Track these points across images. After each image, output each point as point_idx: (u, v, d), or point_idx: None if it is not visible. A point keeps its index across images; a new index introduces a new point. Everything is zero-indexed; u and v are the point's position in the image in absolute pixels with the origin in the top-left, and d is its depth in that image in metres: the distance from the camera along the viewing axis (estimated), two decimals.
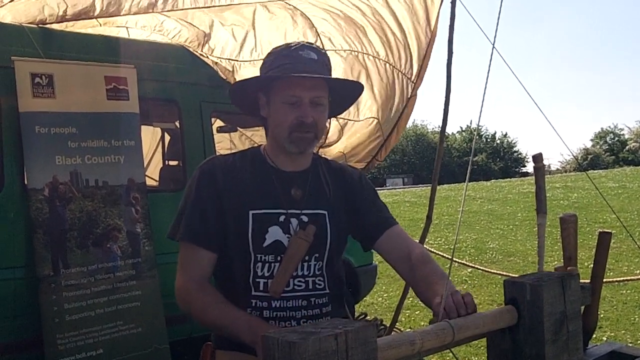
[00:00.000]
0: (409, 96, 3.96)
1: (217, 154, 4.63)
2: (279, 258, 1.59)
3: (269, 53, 1.70)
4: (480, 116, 1.50)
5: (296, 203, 1.64)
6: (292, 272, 1.59)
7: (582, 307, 1.61)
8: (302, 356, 0.91)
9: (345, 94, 1.77)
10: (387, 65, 3.88)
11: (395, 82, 3.95)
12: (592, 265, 1.71)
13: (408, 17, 3.52)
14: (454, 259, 7.48)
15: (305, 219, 1.64)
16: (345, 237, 1.75)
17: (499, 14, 1.44)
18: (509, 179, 25.81)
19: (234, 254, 1.60)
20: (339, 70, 3.92)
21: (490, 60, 1.43)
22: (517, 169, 52.72)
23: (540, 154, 1.79)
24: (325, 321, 1.05)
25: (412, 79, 3.85)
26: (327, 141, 4.51)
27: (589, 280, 1.72)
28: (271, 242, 1.59)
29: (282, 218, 1.61)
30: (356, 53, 3.89)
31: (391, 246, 1.72)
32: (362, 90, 1.78)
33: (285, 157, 1.68)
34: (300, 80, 1.59)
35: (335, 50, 3.88)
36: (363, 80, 3.94)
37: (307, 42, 1.69)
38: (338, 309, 1.69)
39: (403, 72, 3.85)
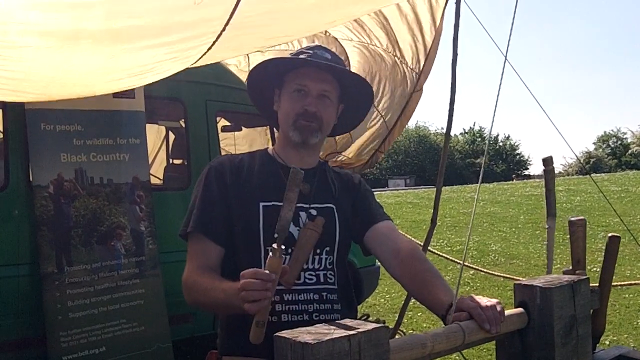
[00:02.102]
0: (414, 89, 3.97)
1: (223, 153, 4.65)
2: (289, 250, 1.59)
3: (289, 54, 1.78)
4: (491, 128, 1.49)
5: (304, 197, 1.66)
6: (303, 262, 1.59)
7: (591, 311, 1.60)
8: (315, 357, 0.91)
9: (357, 99, 1.80)
10: (396, 58, 3.91)
11: (405, 73, 3.96)
12: (595, 269, 1.71)
13: (412, 16, 3.53)
14: (455, 260, 7.49)
15: (314, 212, 1.66)
16: (351, 233, 1.75)
17: (511, 28, 1.43)
18: (511, 182, 25.81)
19: (243, 248, 1.61)
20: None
21: (502, 73, 1.41)
22: (520, 172, 52.68)
23: (550, 157, 1.79)
24: (338, 322, 1.05)
25: (418, 72, 3.87)
26: (338, 147, 4.52)
27: (594, 284, 1.71)
28: None
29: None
30: (366, 44, 3.92)
31: (378, 240, 1.71)
32: (372, 98, 1.81)
33: (294, 154, 1.72)
34: (309, 72, 1.66)
35: (342, 40, 3.90)
36: (371, 72, 3.96)
37: (324, 46, 1.74)
38: (347, 309, 1.68)
39: (411, 66, 3.87)
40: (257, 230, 1.60)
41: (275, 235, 1.28)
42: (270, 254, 1.26)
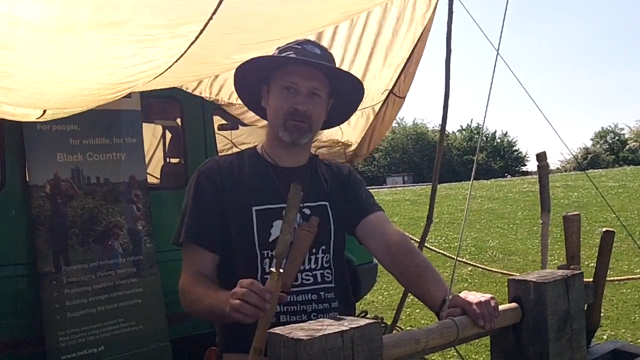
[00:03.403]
0: (391, 91, 3.91)
1: (219, 152, 4.64)
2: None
3: (276, 48, 1.72)
4: (484, 123, 1.50)
5: None
6: (299, 264, 1.58)
7: (585, 306, 1.61)
8: (309, 353, 0.91)
9: (347, 95, 1.77)
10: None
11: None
12: (593, 264, 1.70)
13: (399, 15, 3.48)
14: (452, 256, 7.49)
15: (307, 211, 1.64)
16: (344, 227, 1.75)
17: (503, 23, 1.43)
18: (509, 178, 25.85)
19: (239, 253, 1.59)
20: None
21: (495, 68, 1.42)
22: (518, 168, 52.75)
23: (544, 153, 1.79)
24: (331, 318, 1.05)
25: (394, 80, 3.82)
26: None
27: (590, 279, 1.72)
28: (277, 237, 1.58)
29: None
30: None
31: (369, 233, 1.69)
32: (363, 92, 1.78)
33: (284, 152, 1.69)
34: (299, 69, 1.61)
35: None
36: None
37: (313, 40, 1.70)
38: (344, 306, 1.69)
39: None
40: (252, 235, 1.58)
41: (274, 256, 1.26)
42: (269, 279, 1.25)
